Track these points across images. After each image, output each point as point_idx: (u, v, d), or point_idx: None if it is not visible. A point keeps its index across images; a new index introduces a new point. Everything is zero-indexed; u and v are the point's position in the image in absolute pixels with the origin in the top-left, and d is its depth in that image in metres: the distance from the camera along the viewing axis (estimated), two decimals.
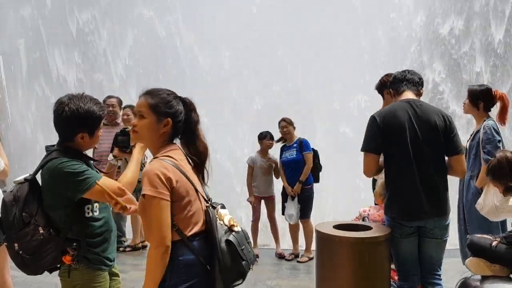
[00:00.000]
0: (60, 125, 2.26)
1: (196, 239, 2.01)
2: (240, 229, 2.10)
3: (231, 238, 2.04)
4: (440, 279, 3.04)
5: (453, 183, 3.90)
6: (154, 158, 2.01)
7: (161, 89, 2.07)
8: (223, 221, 2.08)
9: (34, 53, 7.83)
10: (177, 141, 2.12)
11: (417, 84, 3.13)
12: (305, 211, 5.47)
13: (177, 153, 2.04)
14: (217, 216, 2.07)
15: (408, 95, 3.07)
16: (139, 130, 2.02)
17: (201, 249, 2.00)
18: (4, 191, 3.57)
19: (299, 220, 5.50)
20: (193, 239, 2.00)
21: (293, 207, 5.46)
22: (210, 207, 2.08)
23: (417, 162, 2.90)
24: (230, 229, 2.08)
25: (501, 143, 3.69)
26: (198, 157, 2.10)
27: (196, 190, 2.04)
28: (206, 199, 2.12)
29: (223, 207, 2.14)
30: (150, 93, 2.03)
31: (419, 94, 3.14)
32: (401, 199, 2.95)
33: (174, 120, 2.03)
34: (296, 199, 5.45)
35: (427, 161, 2.91)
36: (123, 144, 2.52)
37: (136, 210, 2.13)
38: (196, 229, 2.01)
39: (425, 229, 2.94)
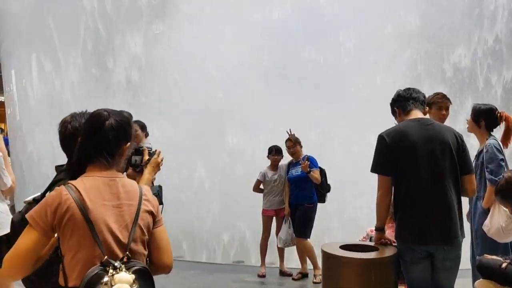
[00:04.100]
0: (64, 145, 2.26)
1: None
2: None
3: None
4: None
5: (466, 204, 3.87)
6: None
7: None
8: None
9: (46, 67, 7.90)
10: None
11: (423, 102, 3.12)
12: (303, 230, 5.40)
13: None
14: (106, 279, 1.64)
15: (417, 114, 3.05)
16: None
17: None
18: (8, 204, 3.62)
19: (297, 239, 5.43)
20: None
21: (284, 231, 5.45)
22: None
23: (430, 183, 2.84)
24: None
25: (504, 161, 3.65)
26: None
27: None
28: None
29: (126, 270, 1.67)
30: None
31: (425, 113, 3.13)
32: (412, 222, 2.88)
33: None
34: (289, 223, 5.44)
35: (441, 181, 2.85)
36: (135, 163, 2.50)
37: None
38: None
39: (435, 258, 2.87)
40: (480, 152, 3.83)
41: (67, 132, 2.19)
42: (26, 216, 1.72)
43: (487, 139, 3.79)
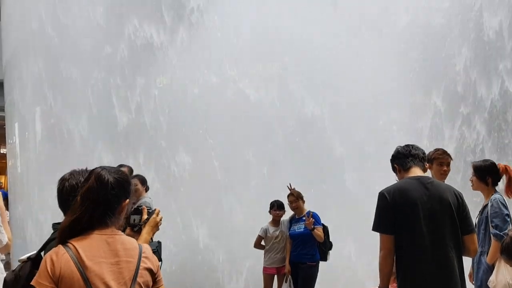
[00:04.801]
0: (61, 202, 2.22)
1: None
2: None
3: None
4: None
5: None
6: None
7: None
8: None
9: (49, 120, 7.98)
10: None
11: (422, 159, 3.11)
12: None
13: None
14: None
15: (416, 171, 3.04)
16: None
17: None
18: (2, 260, 3.55)
19: None
20: None
21: None
22: None
23: (431, 242, 2.81)
24: None
25: (509, 217, 3.63)
26: None
27: None
28: None
29: None
30: None
31: (425, 170, 3.12)
32: (413, 282, 2.83)
33: None
34: (290, 281, 5.26)
35: (442, 241, 2.81)
36: (134, 222, 2.45)
37: None
38: None
39: None
40: (484, 207, 3.81)
41: (64, 190, 2.18)
42: (32, 283, 1.70)
43: (492, 194, 3.78)
